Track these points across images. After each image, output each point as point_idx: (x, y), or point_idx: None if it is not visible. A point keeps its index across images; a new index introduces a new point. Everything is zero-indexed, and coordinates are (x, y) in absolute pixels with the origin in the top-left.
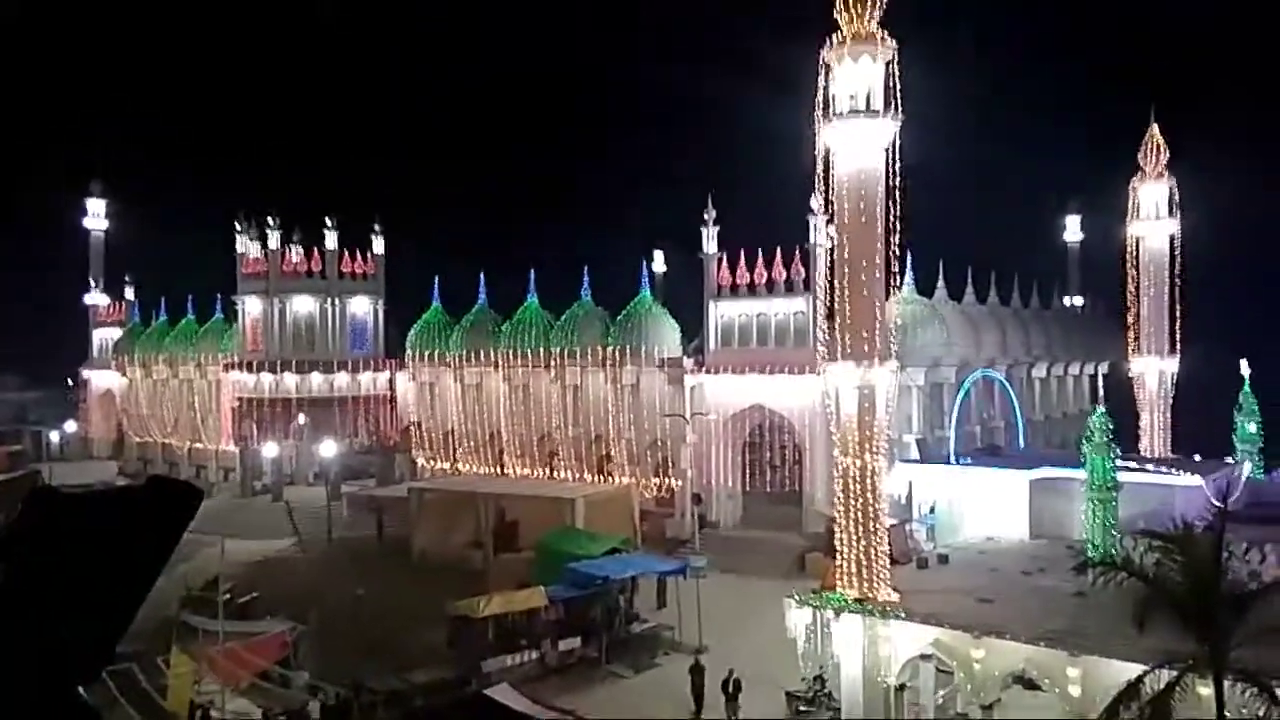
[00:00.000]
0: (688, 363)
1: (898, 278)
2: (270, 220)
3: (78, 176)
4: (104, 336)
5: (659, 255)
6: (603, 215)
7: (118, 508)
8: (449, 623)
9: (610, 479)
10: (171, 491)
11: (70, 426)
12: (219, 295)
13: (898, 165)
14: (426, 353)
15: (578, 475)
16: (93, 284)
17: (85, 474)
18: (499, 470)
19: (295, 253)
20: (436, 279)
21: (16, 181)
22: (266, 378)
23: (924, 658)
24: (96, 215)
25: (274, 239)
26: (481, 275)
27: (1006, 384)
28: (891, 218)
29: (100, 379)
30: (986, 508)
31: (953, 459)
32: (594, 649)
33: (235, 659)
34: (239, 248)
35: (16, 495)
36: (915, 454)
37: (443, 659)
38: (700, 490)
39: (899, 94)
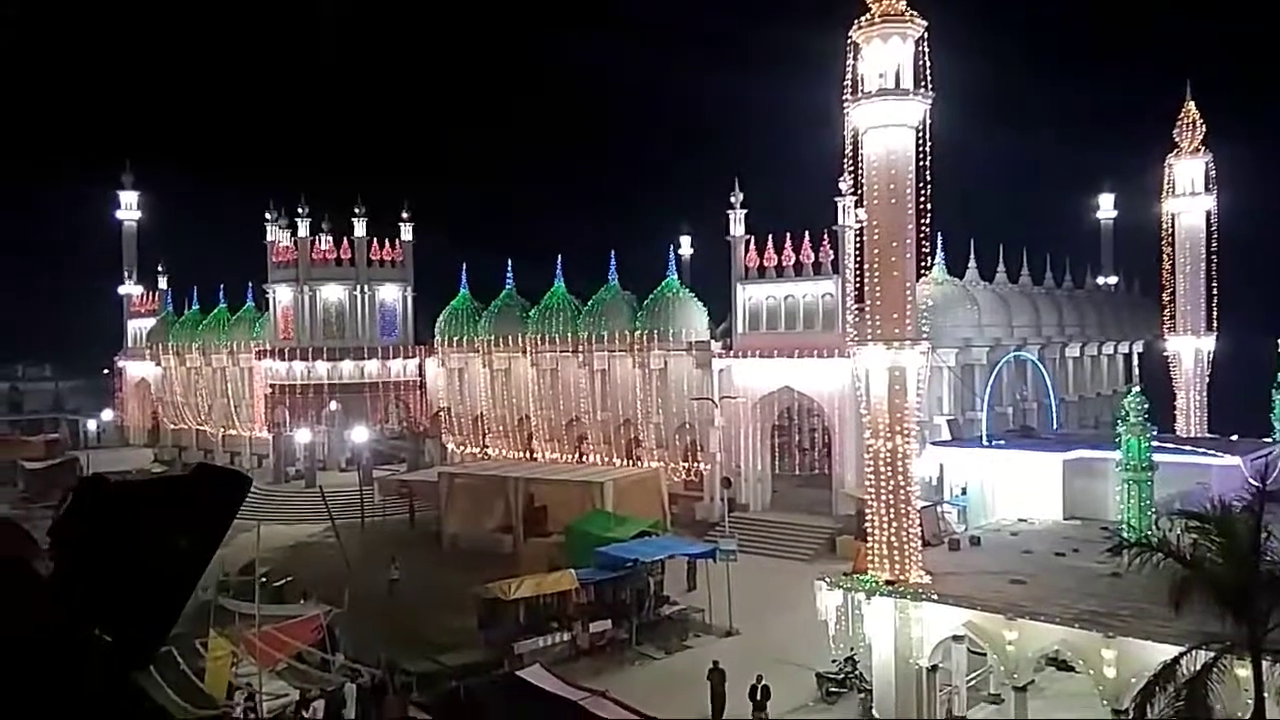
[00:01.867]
0: (715, 346)
1: (928, 258)
2: (300, 209)
3: (109, 168)
4: (138, 326)
5: (686, 239)
6: (629, 200)
7: (168, 496)
8: (480, 605)
9: (639, 463)
10: (220, 479)
11: (106, 415)
12: (250, 284)
13: (928, 145)
14: (455, 339)
15: (606, 459)
16: (126, 275)
17: (121, 461)
18: (528, 455)
19: (325, 241)
20: (464, 266)
21: (50, 174)
22: (298, 365)
23: (956, 639)
24: (129, 206)
25: (304, 228)
26: (509, 261)
27: (1039, 364)
28: (921, 198)
29: (135, 368)
30: (1019, 489)
31: (985, 440)
32: (624, 631)
33: (271, 641)
34: (269, 236)
35: (56, 482)
36: (947, 436)
37: (474, 641)
38: (729, 474)
39: (929, 73)
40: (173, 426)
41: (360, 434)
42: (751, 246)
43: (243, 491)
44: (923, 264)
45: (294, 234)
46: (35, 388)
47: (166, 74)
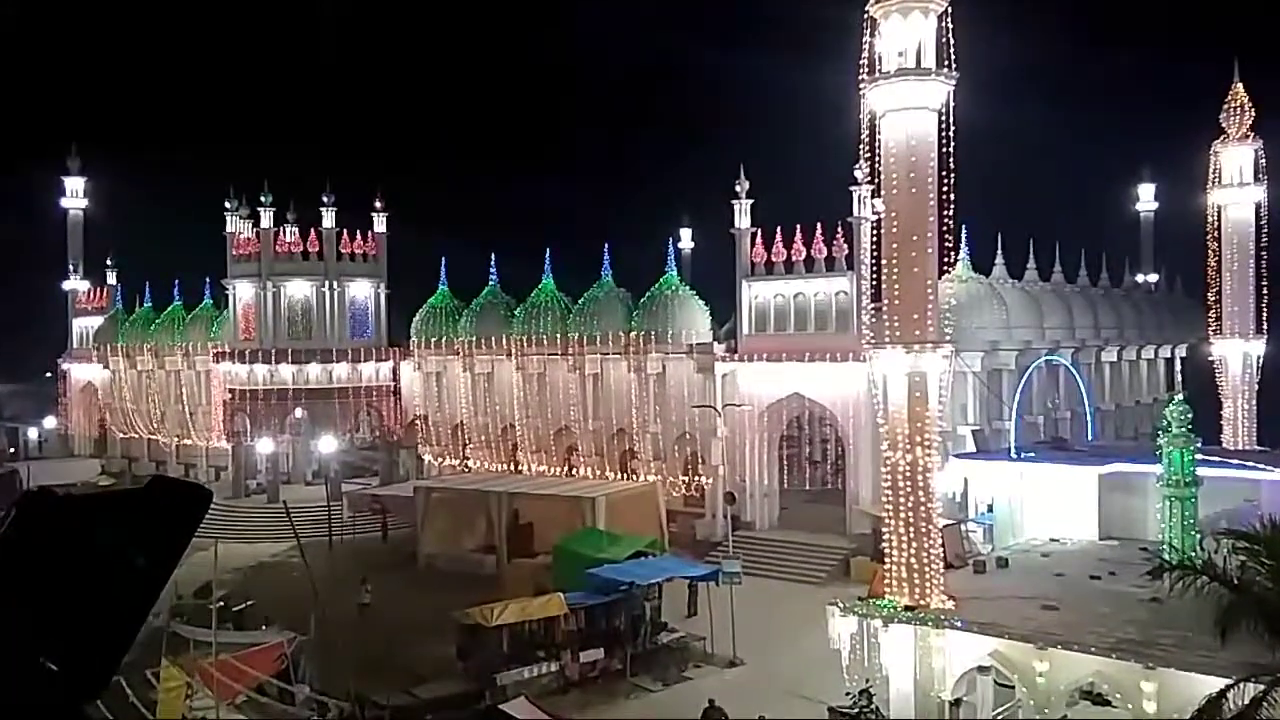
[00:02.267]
0: (719, 349)
1: (951, 253)
2: (262, 197)
3: (54, 151)
4: (84, 325)
5: (686, 232)
6: (624, 189)
7: (120, 512)
8: (459, 632)
9: (634, 476)
10: (177, 493)
11: (50, 422)
12: (208, 279)
13: (951, 129)
14: (433, 340)
15: (599, 472)
16: (71, 268)
17: (66, 473)
18: (513, 467)
19: (290, 232)
20: (443, 259)
21: None
22: (260, 368)
23: (981, 670)
24: (75, 194)
25: (267, 217)
26: (492, 255)
27: (1073, 370)
28: (944, 187)
29: (81, 371)
30: (1051, 506)
31: (1013, 453)
32: (618, 661)
33: (229, 671)
34: (229, 227)
35: None
36: (971, 448)
37: (453, 671)
38: (733, 488)
39: (952, 51)
40: (122, 435)
41: (328, 444)
42: (758, 240)
43: (202, 506)
44: (945, 259)
45: (256, 224)
46: None
47: (118, 50)
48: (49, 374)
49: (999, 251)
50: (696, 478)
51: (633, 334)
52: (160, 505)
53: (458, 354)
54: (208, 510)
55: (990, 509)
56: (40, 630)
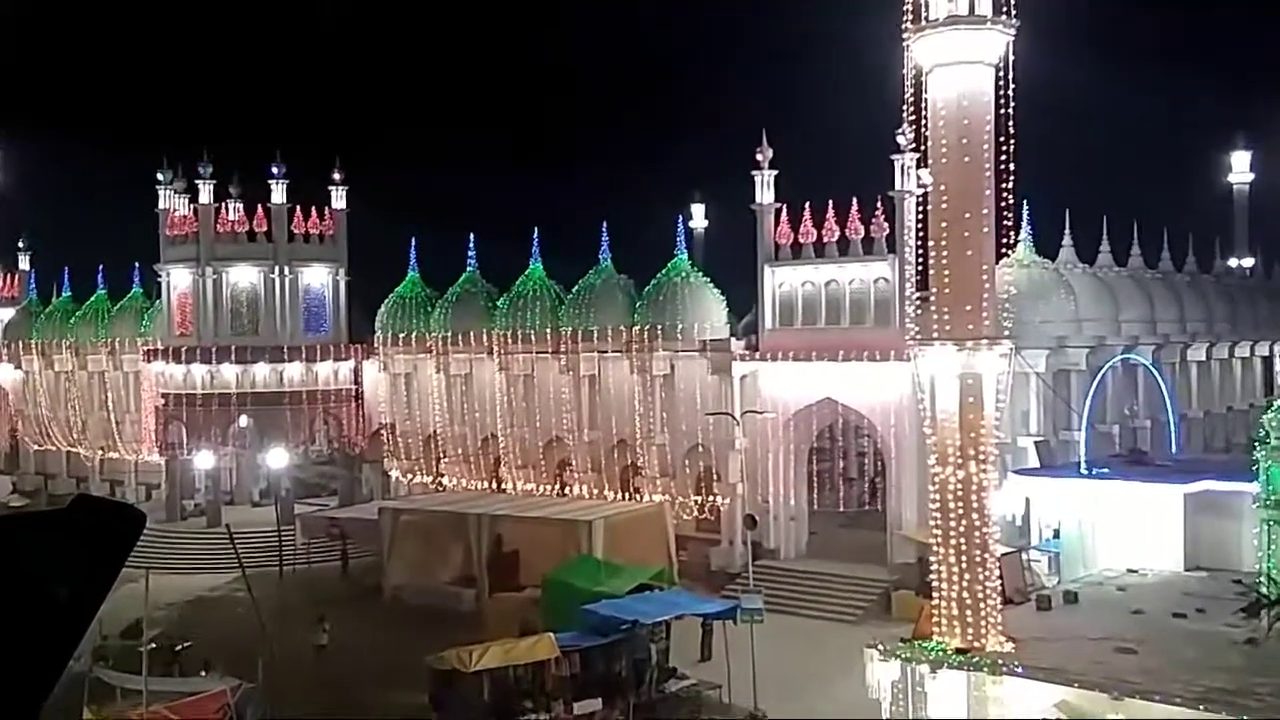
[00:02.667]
0: (737, 346)
1: (1011, 233)
2: (201, 168)
3: None
4: None
5: (699, 208)
6: (626, 157)
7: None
8: (433, 679)
9: (638, 496)
10: (104, 515)
11: None
12: (138, 265)
13: (1010, 88)
14: (401, 336)
15: (596, 491)
16: None
17: None
18: (495, 485)
19: (233, 209)
20: (413, 241)
21: None
22: (199, 369)
23: None
24: None
25: (206, 192)
26: (471, 236)
27: (1154, 370)
28: (1003, 155)
29: None
30: (1128, 532)
31: (1083, 468)
32: (619, 713)
33: None
34: (162, 203)
35: None
36: (1035, 463)
37: None
38: (754, 510)
39: None
40: (36, 448)
41: (278, 458)
42: (784, 218)
43: (134, 530)
44: (1004, 241)
45: (194, 199)
46: None
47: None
48: None
49: (1067, 231)
50: (711, 498)
51: (636, 329)
52: (85, 528)
53: (430, 352)
54: (140, 535)
55: (1056, 534)
56: None
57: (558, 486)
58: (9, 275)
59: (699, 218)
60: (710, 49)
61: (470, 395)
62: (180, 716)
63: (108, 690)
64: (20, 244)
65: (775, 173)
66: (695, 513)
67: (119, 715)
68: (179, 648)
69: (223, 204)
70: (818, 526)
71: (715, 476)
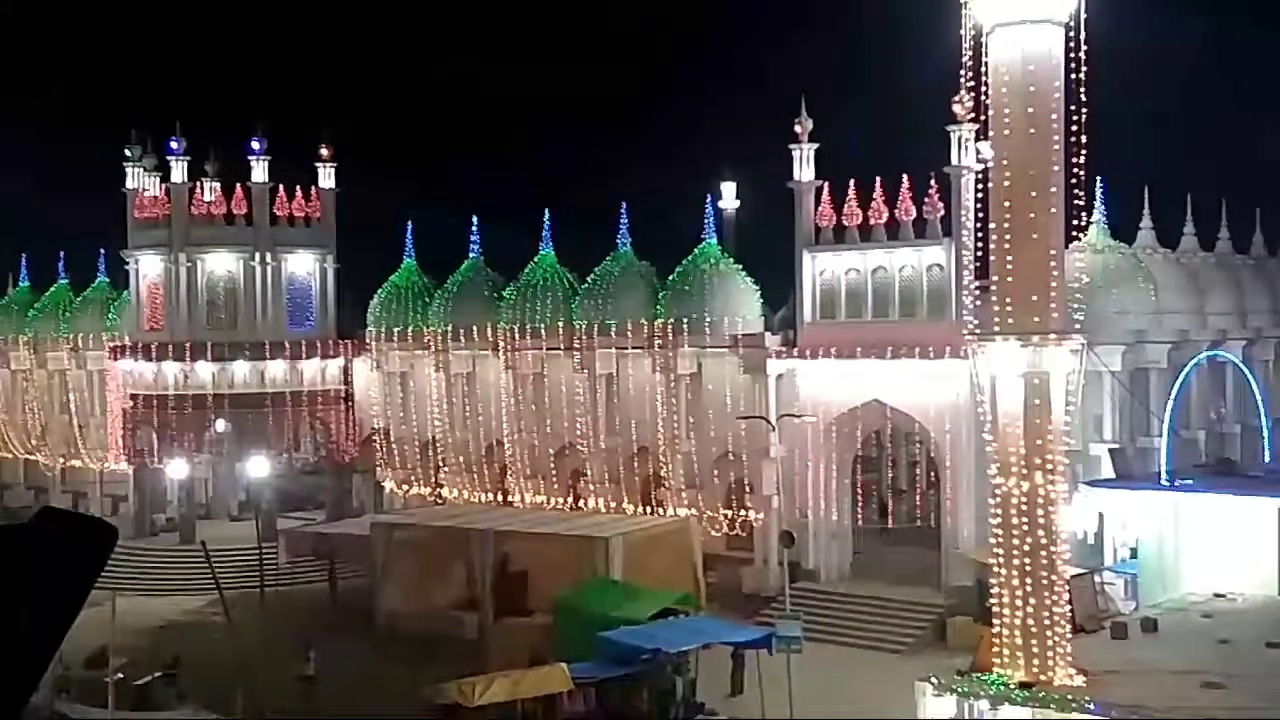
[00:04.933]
0: (772, 341)
1: (1083, 214)
2: (174, 143)
3: None
4: None
5: (729, 187)
6: (648, 131)
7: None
8: (431, 715)
9: (660, 510)
10: (74, 531)
11: None
12: (103, 251)
13: (1083, 50)
14: (396, 330)
15: (613, 504)
16: None
17: None
18: (501, 498)
19: (210, 189)
20: (409, 224)
21: None
22: (170, 368)
23: None
24: None
25: (179, 170)
26: (474, 218)
27: (1245, 369)
28: (1074, 126)
29: None
30: (1215, 551)
31: (1165, 479)
32: None
33: None
34: (130, 182)
35: None
36: (1109, 473)
37: None
38: (791, 526)
39: None
40: None
41: (259, 467)
42: (825, 197)
43: (105, 547)
44: (1075, 222)
45: (165, 179)
46: None
47: None
48: None
49: (1146, 212)
50: (743, 512)
51: (659, 322)
52: (51, 545)
53: (428, 348)
54: (111, 552)
55: (1134, 554)
56: None
57: (571, 499)
58: None
59: (729, 197)
60: (742, 7)
61: (473, 397)
62: None
63: None
64: None
65: (816, 146)
66: (725, 529)
67: None
68: (148, 678)
69: (197, 183)
70: (863, 545)
71: (748, 488)
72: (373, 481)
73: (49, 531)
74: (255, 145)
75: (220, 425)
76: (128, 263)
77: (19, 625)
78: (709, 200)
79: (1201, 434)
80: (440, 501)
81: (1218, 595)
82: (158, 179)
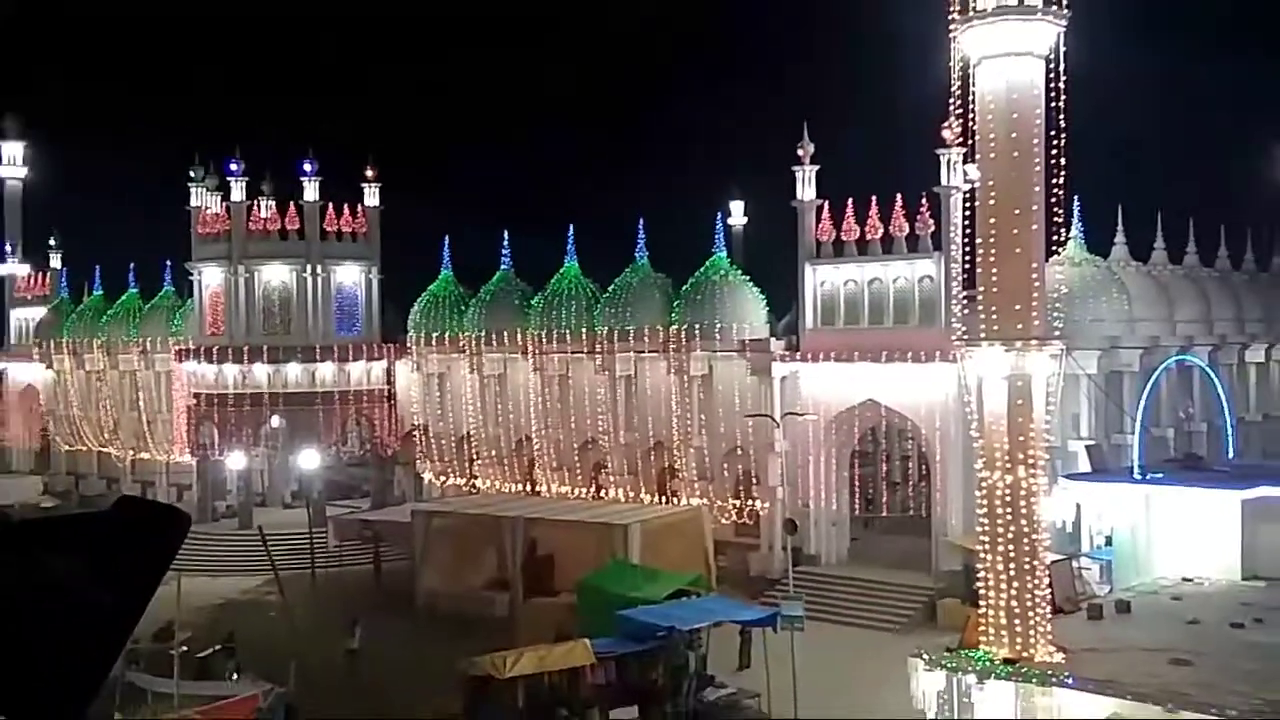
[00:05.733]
0: (777, 346)
1: (1061, 230)
2: (233, 165)
3: None
4: (23, 316)
5: (738, 205)
6: (663, 153)
7: (84, 539)
8: (466, 686)
9: (675, 499)
10: (149, 517)
11: None
12: (169, 263)
13: (1062, 80)
14: (434, 335)
15: (632, 494)
16: (9, 249)
17: (1, 493)
18: (529, 488)
19: (265, 207)
20: (446, 239)
21: None
22: (230, 369)
23: None
24: (13, 161)
25: (238, 189)
26: (505, 233)
27: (1210, 372)
28: (1054, 150)
29: (19, 371)
30: (1183, 539)
31: (1137, 473)
32: None
33: None
34: (193, 201)
35: None
36: (1086, 467)
37: None
38: (794, 515)
39: None
40: (67, 448)
41: (310, 459)
42: (825, 214)
43: (179, 532)
44: (1055, 238)
45: (225, 198)
46: None
47: None
48: None
49: (1119, 229)
50: (750, 502)
51: (673, 328)
52: (130, 531)
53: (463, 352)
54: (185, 537)
55: (1109, 542)
56: None
57: (593, 489)
58: (40, 274)
59: (738, 215)
60: (751, 41)
61: (504, 396)
62: None
63: (139, 693)
64: (51, 242)
65: (817, 168)
66: (734, 517)
67: (151, 718)
68: (208, 651)
69: (254, 201)
70: (860, 532)
71: (754, 480)
72: (413, 473)
73: (128, 518)
74: (307, 167)
75: (275, 421)
76: (191, 274)
77: (104, 604)
78: (719, 217)
79: (1171, 432)
80: (474, 491)
81: (1185, 580)
82: (219, 198)
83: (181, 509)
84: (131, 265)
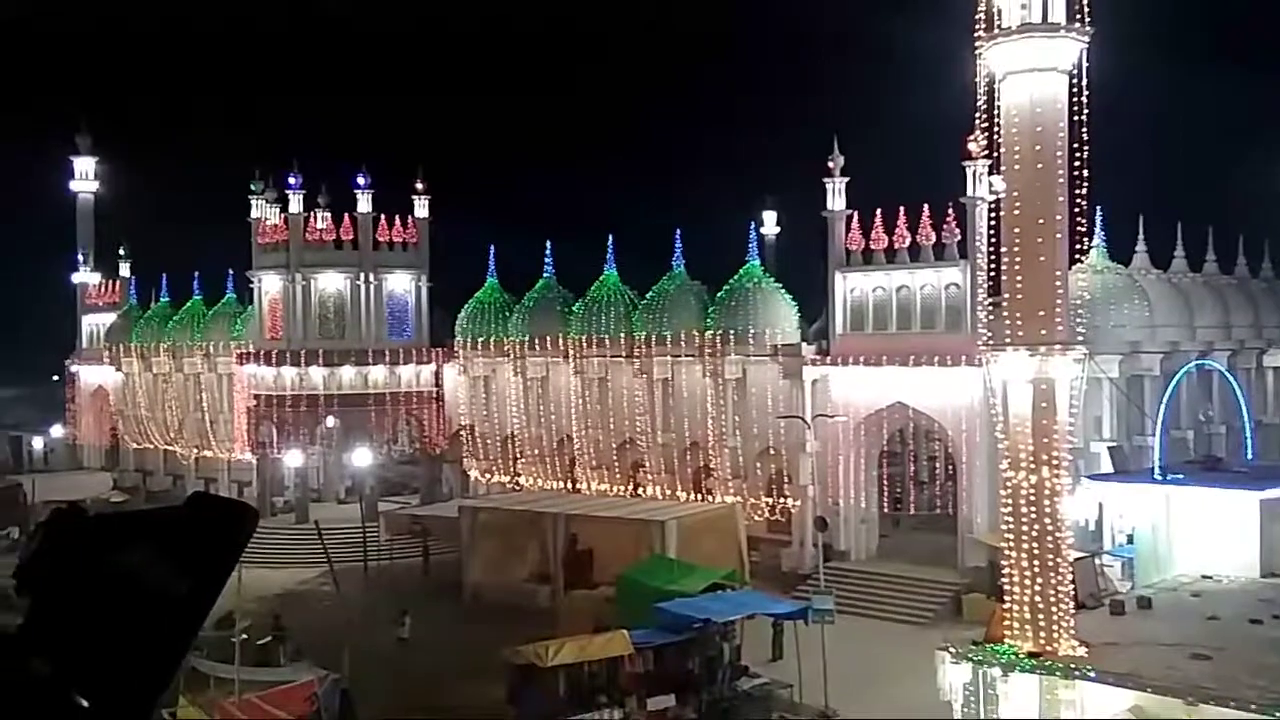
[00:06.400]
0: (808, 350)
1: (1084, 239)
2: (291, 179)
3: (61, 128)
4: (95, 322)
5: (770, 215)
6: (699, 165)
7: (159, 533)
8: (510, 673)
9: (710, 497)
10: (221, 512)
11: (56, 430)
12: (231, 271)
13: (1084, 94)
14: (480, 340)
15: (669, 492)
16: (81, 259)
17: (75, 488)
18: (570, 485)
19: (321, 218)
20: (491, 248)
21: None
22: (288, 371)
23: None
24: (84, 176)
25: (296, 202)
26: (548, 243)
27: (1229, 376)
28: (1076, 162)
29: (91, 374)
30: (1203, 537)
31: (1158, 474)
32: (691, 709)
33: (254, 712)
34: (254, 213)
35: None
36: (1108, 468)
37: (503, 717)
38: (825, 512)
39: (1086, 2)
40: (135, 446)
41: (363, 457)
42: (855, 224)
43: (249, 527)
44: (1077, 246)
45: (284, 209)
46: None
47: (132, 16)
48: (55, 377)
49: (1141, 237)
50: (782, 499)
51: (708, 333)
52: (203, 525)
53: (508, 356)
54: (254, 532)
55: (1130, 540)
56: (73, 662)
57: (631, 487)
58: (110, 282)
59: (770, 224)
60: (784, 57)
61: (546, 398)
62: (270, 704)
63: (202, 679)
64: (121, 252)
65: (847, 179)
66: (766, 514)
67: (213, 703)
68: (267, 638)
69: (311, 213)
70: (888, 529)
71: (786, 479)
72: (460, 470)
73: (201, 513)
74: (360, 180)
75: (330, 421)
76: (252, 281)
77: (180, 596)
78: (752, 227)
79: (1190, 434)
80: (518, 488)
81: (1205, 577)
82: (278, 209)
83: (251, 506)
84: (196, 274)
